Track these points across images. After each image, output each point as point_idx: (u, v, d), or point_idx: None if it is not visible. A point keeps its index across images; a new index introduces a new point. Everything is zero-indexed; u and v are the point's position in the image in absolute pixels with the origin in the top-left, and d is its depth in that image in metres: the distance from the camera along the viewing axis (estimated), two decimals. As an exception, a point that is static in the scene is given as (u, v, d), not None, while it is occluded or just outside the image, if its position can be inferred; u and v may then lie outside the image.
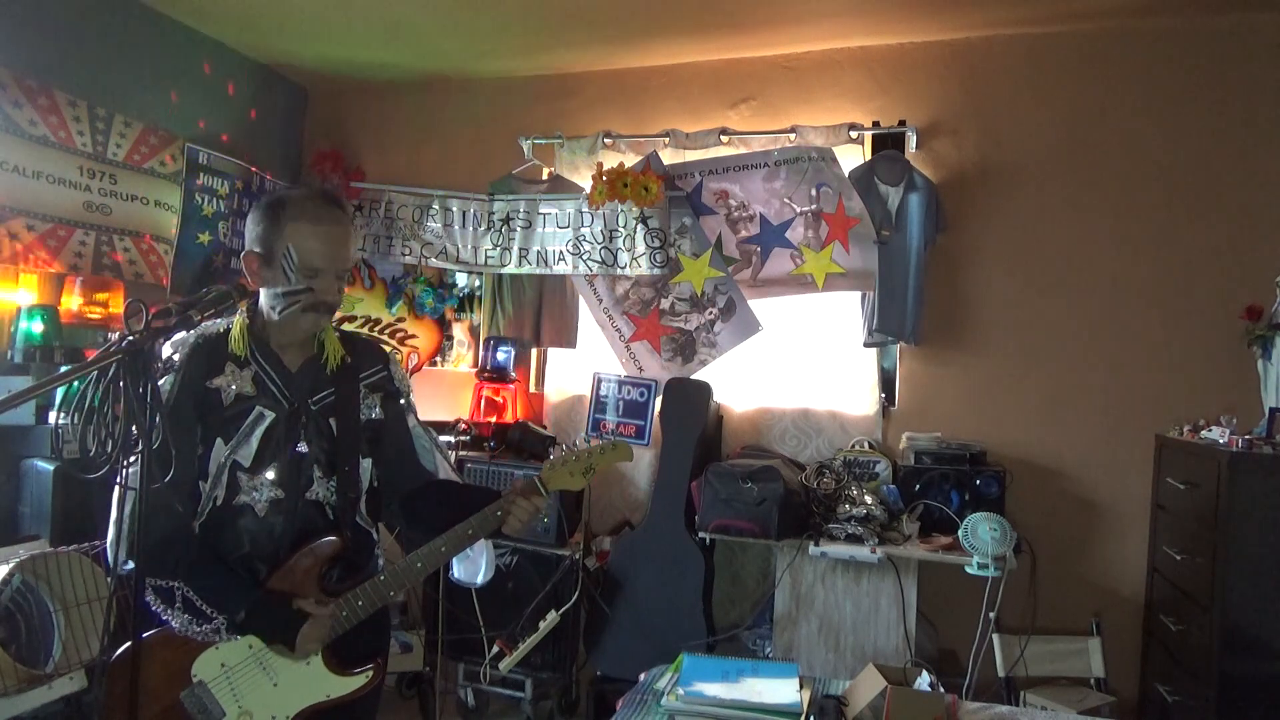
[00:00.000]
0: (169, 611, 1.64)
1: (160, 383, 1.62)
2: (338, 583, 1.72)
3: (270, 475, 1.68)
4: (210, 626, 1.62)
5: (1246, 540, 2.50)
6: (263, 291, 1.71)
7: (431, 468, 1.92)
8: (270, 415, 1.69)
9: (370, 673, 1.72)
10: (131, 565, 1.43)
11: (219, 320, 1.70)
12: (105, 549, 1.60)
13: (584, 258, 3.72)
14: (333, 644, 1.69)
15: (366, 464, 1.80)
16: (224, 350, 1.69)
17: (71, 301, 3.26)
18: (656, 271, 3.61)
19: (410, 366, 4.09)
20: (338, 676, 1.69)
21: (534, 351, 4.09)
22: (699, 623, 3.23)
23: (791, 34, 3.58)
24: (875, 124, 3.54)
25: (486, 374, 3.85)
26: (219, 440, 1.66)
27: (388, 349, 1.97)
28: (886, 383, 3.58)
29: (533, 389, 4.08)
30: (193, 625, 1.63)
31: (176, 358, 1.66)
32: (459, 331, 4.23)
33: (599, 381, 3.79)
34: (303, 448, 1.71)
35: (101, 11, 3.40)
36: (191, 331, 1.67)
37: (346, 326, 4.12)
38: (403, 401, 1.89)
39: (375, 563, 1.85)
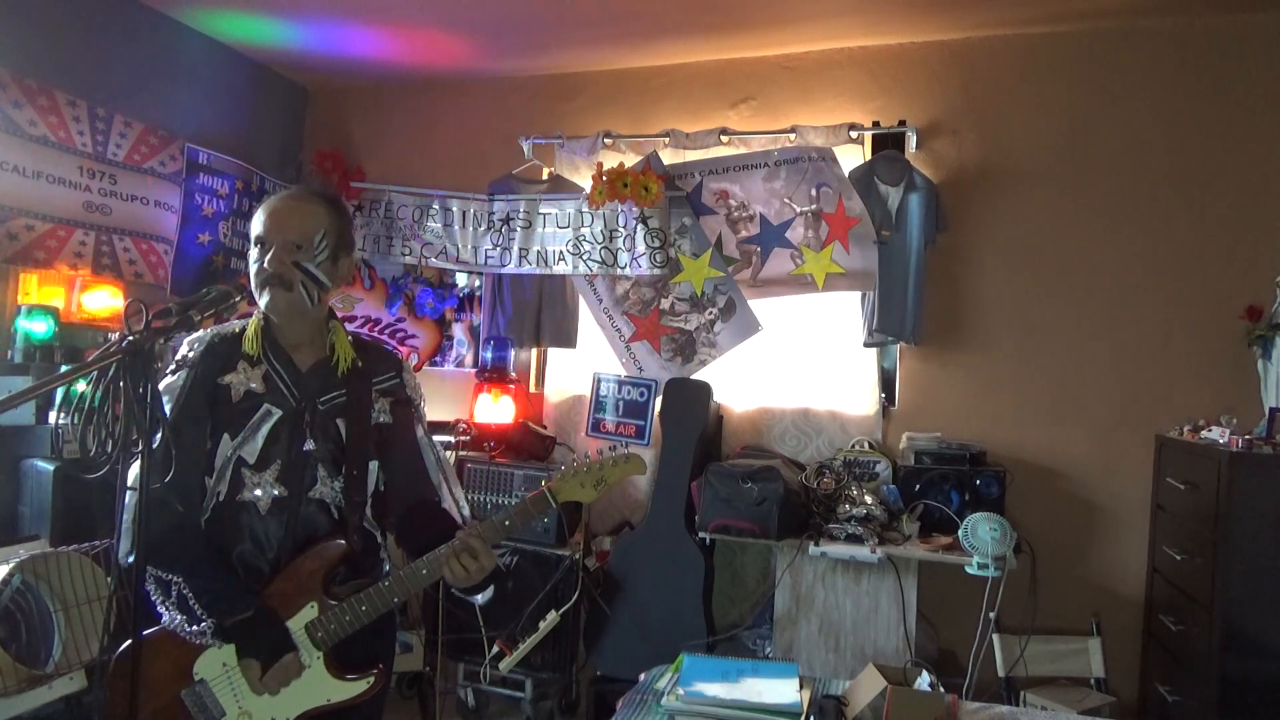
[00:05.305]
0: (164, 604, 1.64)
1: (174, 378, 1.66)
2: (342, 585, 1.72)
3: (274, 473, 1.68)
4: (198, 629, 1.60)
5: (1246, 540, 2.50)
6: None
7: (436, 483, 1.90)
8: (277, 413, 1.70)
9: (372, 678, 1.70)
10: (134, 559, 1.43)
11: (234, 321, 1.73)
12: (116, 553, 1.58)
13: (584, 258, 3.71)
14: (336, 648, 1.68)
15: (374, 467, 1.80)
16: (238, 349, 1.71)
17: (72, 301, 3.26)
18: (656, 271, 3.61)
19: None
20: (339, 681, 1.68)
21: (534, 351, 4.09)
22: (699, 623, 3.22)
23: (791, 34, 3.58)
24: (875, 124, 3.54)
25: (486, 374, 3.85)
26: (226, 435, 1.67)
27: (401, 358, 1.95)
28: (886, 383, 3.58)
29: (533, 389, 4.08)
30: (183, 625, 1.62)
31: (191, 354, 1.69)
32: (459, 331, 4.23)
33: (599, 381, 3.78)
34: (309, 446, 1.71)
35: (101, 11, 3.40)
36: (208, 330, 1.70)
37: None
38: (413, 410, 1.88)
39: (380, 567, 1.84)
